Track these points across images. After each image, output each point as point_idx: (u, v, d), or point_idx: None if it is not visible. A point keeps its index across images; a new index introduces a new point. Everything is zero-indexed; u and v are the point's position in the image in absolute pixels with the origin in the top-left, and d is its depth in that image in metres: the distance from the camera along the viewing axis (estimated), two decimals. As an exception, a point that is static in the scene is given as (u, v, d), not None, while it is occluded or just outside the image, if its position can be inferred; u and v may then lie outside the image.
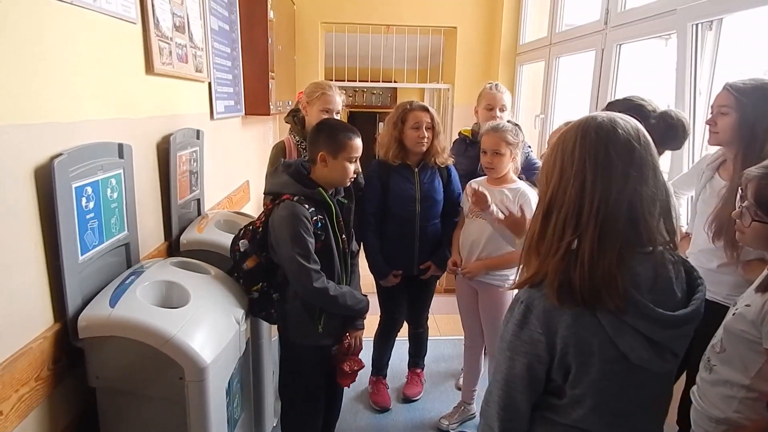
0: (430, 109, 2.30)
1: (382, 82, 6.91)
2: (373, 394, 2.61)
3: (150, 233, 1.93)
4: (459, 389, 2.75)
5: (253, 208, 3.68)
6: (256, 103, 3.44)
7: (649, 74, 3.15)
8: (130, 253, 1.71)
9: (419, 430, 2.44)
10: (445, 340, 3.18)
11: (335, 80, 5.17)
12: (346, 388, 2.00)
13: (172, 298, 1.54)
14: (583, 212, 0.86)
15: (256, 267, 1.75)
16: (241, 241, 1.76)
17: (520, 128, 2.16)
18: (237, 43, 3.20)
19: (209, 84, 2.66)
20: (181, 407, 1.39)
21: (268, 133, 4.54)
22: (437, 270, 2.45)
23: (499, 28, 4.63)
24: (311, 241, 1.65)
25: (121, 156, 1.62)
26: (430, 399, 2.68)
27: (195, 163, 2.35)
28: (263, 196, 2.39)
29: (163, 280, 1.56)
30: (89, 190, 1.44)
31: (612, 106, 1.38)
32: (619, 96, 3.05)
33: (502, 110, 2.61)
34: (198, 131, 2.37)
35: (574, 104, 3.65)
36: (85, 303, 1.42)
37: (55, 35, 1.33)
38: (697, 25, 2.16)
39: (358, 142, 1.72)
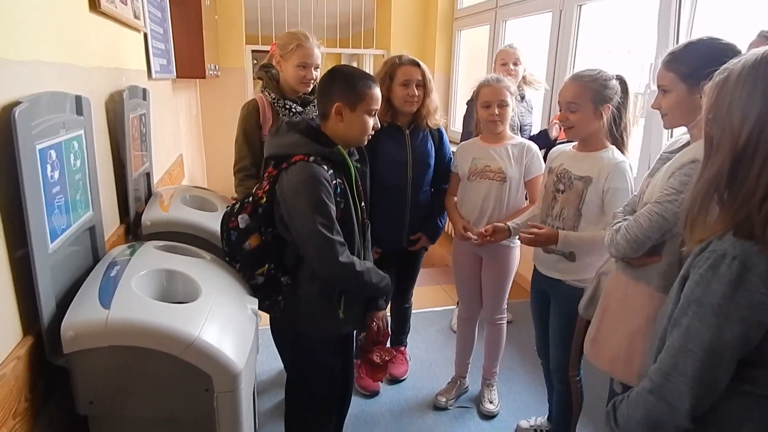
0: (421, 64, 2.08)
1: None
2: (360, 378, 2.40)
3: (105, 214, 1.54)
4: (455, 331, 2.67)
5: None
6: (189, 65, 3.00)
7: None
8: (95, 238, 1.33)
9: (415, 410, 2.29)
10: (418, 314, 3.04)
11: (260, 45, 4.73)
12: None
13: (176, 291, 1.21)
14: None
15: (260, 246, 1.46)
16: (240, 216, 1.45)
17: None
18: (165, -9, 2.72)
19: (145, 35, 2.22)
20: (206, 427, 1.09)
21: (193, 102, 4.03)
22: (428, 241, 2.28)
23: (435, -9, 4.49)
24: (333, 208, 1.39)
25: (79, 112, 1.24)
26: (418, 377, 2.53)
27: (144, 129, 1.94)
28: (235, 165, 2.04)
29: (161, 268, 1.23)
30: (53, 154, 1.07)
31: (692, 46, 1.27)
32: (583, 57, 3.08)
33: (516, 64, 2.72)
34: (144, 90, 1.96)
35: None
36: (60, 307, 1.07)
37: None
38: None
39: (378, 91, 1.47)
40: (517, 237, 1.87)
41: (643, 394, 0.87)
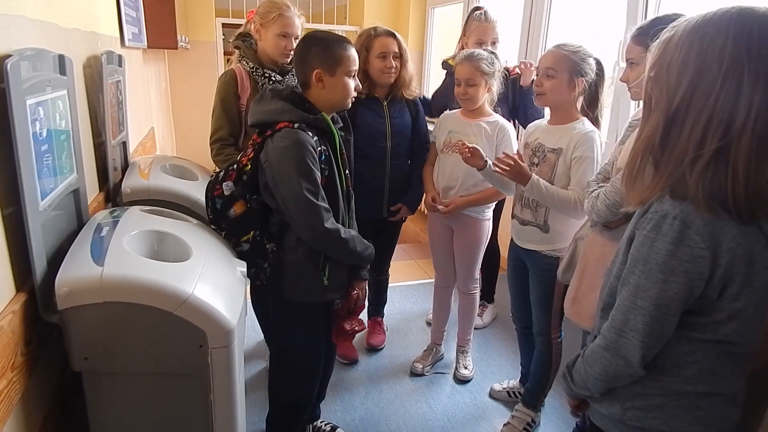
0: (397, 34, 2.10)
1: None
2: (339, 347, 2.45)
3: (86, 180, 1.52)
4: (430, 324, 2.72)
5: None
6: (160, 34, 2.93)
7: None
8: (79, 202, 1.32)
9: (393, 377, 2.36)
10: (392, 288, 3.10)
11: (231, 18, 4.63)
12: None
13: (167, 252, 1.22)
14: (736, 120, 0.76)
15: (246, 213, 1.47)
16: (225, 183, 1.45)
17: (497, 57, 2.07)
18: (134, -45, 2.64)
19: (117, 1, 2.16)
20: (200, 382, 1.12)
21: (162, 75, 3.93)
22: (408, 212, 2.32)
23: (409, -33, 4.47)
24: (318, 174, 1.41)
25: (62, 72, 1.22)
26: (395, 346, 2.60)
27: (121, 97, 1.91)
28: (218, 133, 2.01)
29: (152, 229, 1.23)
30: (41, 111, 1.06)
31: (659, 21, 1.33)
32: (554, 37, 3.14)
33: (494, 44, 2.34)
34: (120, 56, 1.92)
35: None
36: (51, 265, 1.06)
37: None
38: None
39: (354, 52, 1.49)
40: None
41: (599, 351, 0.93)
